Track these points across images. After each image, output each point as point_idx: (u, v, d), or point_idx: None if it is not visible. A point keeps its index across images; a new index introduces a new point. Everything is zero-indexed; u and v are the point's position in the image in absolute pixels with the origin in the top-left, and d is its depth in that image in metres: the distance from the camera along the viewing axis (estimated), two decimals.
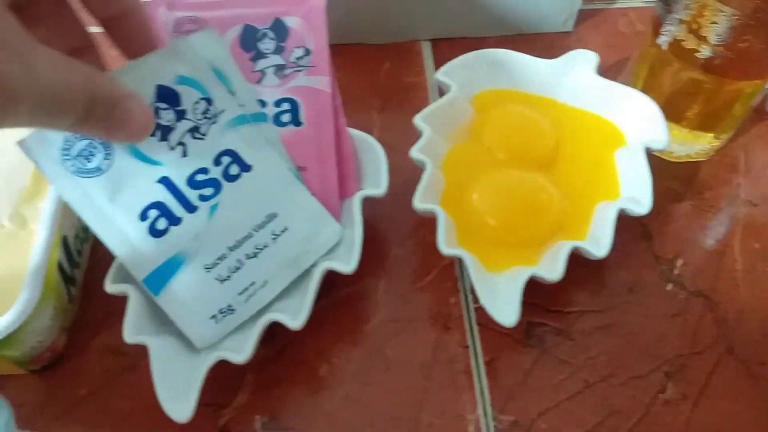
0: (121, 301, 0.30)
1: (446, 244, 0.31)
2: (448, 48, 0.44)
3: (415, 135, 0.36)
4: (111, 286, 0.30)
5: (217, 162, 0.31)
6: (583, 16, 0.46)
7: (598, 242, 0.32)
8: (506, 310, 0.29)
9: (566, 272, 0.31)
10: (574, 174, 0.36)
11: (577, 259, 0.32)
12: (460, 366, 0.32)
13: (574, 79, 0.38)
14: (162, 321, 0.30)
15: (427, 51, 0.45)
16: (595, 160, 0.37)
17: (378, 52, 0.44)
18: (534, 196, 0.34)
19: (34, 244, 0.29)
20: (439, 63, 0.45)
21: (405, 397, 0.31)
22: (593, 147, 0.37)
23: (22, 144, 0.29)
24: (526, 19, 0.45)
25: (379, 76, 0.43)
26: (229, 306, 0.31)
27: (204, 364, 0.28)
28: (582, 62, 0.38)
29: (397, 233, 0.36)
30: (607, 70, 0.40)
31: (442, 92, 0.41)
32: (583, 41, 0.46)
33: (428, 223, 0.35)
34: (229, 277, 0.31)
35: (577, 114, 0.38)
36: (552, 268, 0.30)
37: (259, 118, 0.32)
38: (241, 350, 0.29)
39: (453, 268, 0.35)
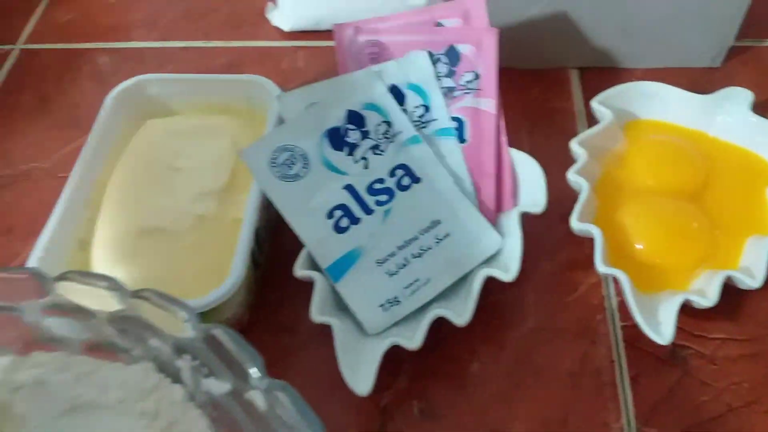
0: (293, 286, 0.35)
1: (602, 263, 0.33)
2: (595, 76, 0.47)
3: (561, 157, 0.38)
4: (300, 272, 0.34)
5: (392, 174, 0.36)
6: (732, 53, 0.47)
7: (752, 273, 0.33)
8: (662, 329, 0.31)
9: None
10: (723, 206, 0.37)
11: (725, 289, 0.33)
12: (607, 378, 0.34)
13: (727, 114, 0.39)
14: (340, 306, 0.34)
15: (575, 78, 0.47)
16: (744, 194, 0.38)
17: (529, 76, 0.47)
18: (686, 222, 0.36)
19: (242, 230, 0.34)
20: (586, 90, 0.47)
21: (553, 401, 0.33)
22: (743, 181, 0.38)
23: (241, 153, 0.34)
24: (676, 53, 0.46)
25: (529, 99, 0.46)
26: (396, 298, 0.34)
27: (382, 346, 0.32)
28: (737, 99, 0.39)
29: (544, 248, 0.38)
30: (755, 107, 0.41)
31: (589, 118, 0.43)
32: (731, 77, 0.46)
33: (573, 241, 0.37)
34: (396, 272, 0.35)
35: (728, 148, 0.39)
36: (706, 294, 0.32)
37: (448, 132, 0.37)
38: (411, 339, 0.32)
39: (600, 287, 0.37)
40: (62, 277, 0.25)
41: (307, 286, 0.34)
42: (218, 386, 0.24)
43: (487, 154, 0.37)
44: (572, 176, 0.36)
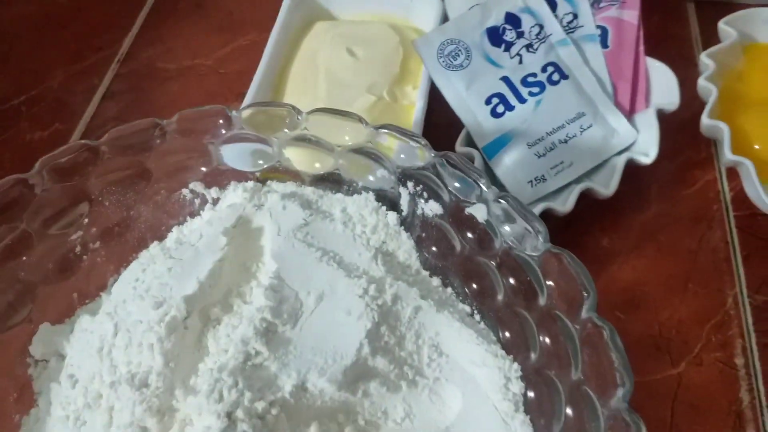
0: None
1: (730, 152, 0.38)
2: (710, 8, 0.51)
3: (680, 78, 0.43)
4: (459, 148, 0.40)
5: (543, 70, 0.41)
6: None
7: None
8: None
9: None
10: None
11: None
12: (722, 256, 0.39)
13: None
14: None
15: (691, 9, 0.52)
16: None
17: (648, 4, 0.51)
18: None
19: (415, 111, 0.40)
20: (701, 21, 0.51)
21: (674, 271, 0.39)
22: None
23: (414, 43, 0.40)
24: None
25: (649, 25, 0.50)
26: (543, 176, 0.40)
27: (535, 210, 0.37)
28: None
29: (666, 150, 0.43)
30: None
31: (704, 45, 0.48)
32: None
33: (691, 145, 0.42)
34: (544, 154, 0.40)
35: None
36: None
37: (592, 38, 0.41)
38: (563, 204, 0.38)
39: (716, 183, 0.42)
40: (312, 112, 0.31)
41: None
42: (434, 207, 0.30)
43: (626, 60, 0.42)
44: (702, 82, 0.41)
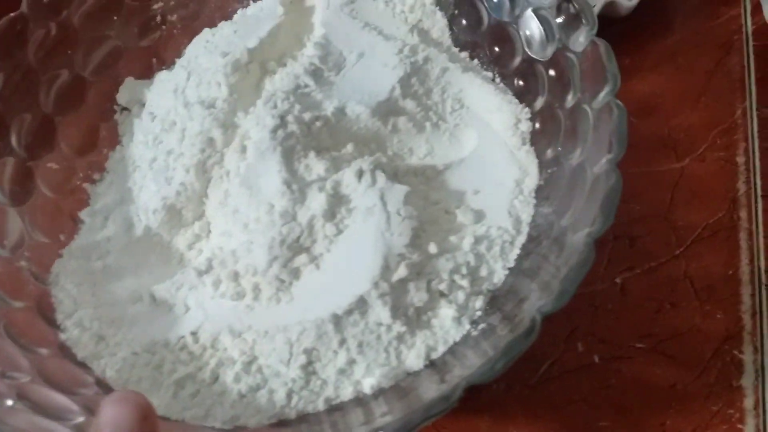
0: None
1: None
2: None
3: None
4: None
5: None
6: None
7: None
8: None
9: None
10: None
11: None
12: (736, 77, 0.42)
13: None
14: None
15: None
16: None
17: None
18: None
19: None
20: None
21: (690, 86, 0.42)
22: None
23: None
24: None
25: None
26: None
27: None
28: None
29: None
30: None
31: None
32: None
33: None
34: None
35: None
36: None
37: None
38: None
39: (739, 18, 0.44)
40: None
41: None
42: None
43: None
44: None
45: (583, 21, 0.30)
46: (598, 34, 0.31)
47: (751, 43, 0.43)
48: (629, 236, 0.36)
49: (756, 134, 0.40)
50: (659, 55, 0.43)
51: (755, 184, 0.38)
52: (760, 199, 0.37)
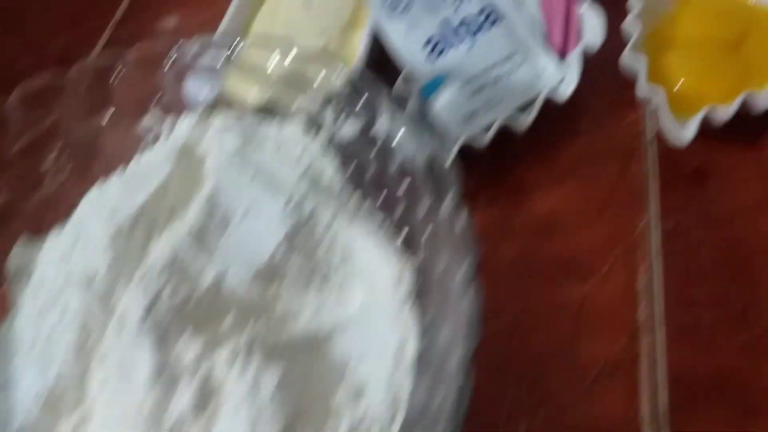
0: None
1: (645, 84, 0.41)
2: None
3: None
4: (397, 88, 0.43)
5: (480, 12, 0.44)
6: None
7: None
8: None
9: None
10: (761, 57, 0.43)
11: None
12: (638, 187, 0.42)
13: None
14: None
15: None
16: None
17: None
18: (722, 63, 0.43)
19: (357, 53, 0.44)
20: None
21: (592, 201, 0.42)
22: None
23: None
24: None
25: None
26: (474, 113, 0.43)
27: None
28: None
29: (595, 88, 0.45)
30: None
31: None
32: None
33: (621, 84, 0.44)
34: (477, 93, 0.43)
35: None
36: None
37: None
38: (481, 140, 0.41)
39: (641, 122, 0.44)
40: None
41: None
42: (352, 126, 0.34)
43: (558, 3, 0.45)
44: (628, 19, 0.43)
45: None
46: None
47: (652, 149, 0.44)
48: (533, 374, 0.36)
49: (659, 250, 0.40)
50: (562, 166, 0.44)
51: (654, 310, 0.38)
52: (658, 327, 0.37)
